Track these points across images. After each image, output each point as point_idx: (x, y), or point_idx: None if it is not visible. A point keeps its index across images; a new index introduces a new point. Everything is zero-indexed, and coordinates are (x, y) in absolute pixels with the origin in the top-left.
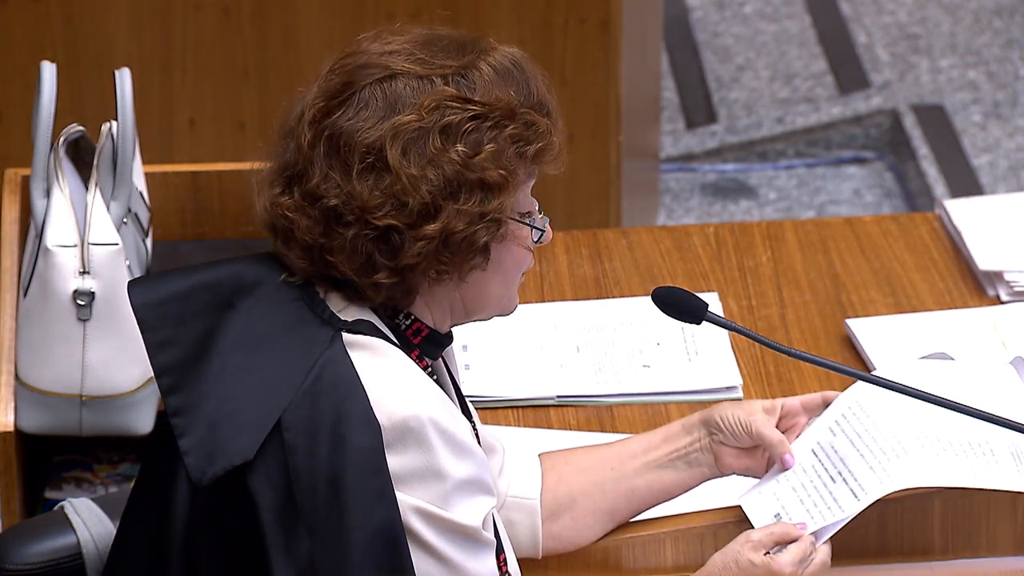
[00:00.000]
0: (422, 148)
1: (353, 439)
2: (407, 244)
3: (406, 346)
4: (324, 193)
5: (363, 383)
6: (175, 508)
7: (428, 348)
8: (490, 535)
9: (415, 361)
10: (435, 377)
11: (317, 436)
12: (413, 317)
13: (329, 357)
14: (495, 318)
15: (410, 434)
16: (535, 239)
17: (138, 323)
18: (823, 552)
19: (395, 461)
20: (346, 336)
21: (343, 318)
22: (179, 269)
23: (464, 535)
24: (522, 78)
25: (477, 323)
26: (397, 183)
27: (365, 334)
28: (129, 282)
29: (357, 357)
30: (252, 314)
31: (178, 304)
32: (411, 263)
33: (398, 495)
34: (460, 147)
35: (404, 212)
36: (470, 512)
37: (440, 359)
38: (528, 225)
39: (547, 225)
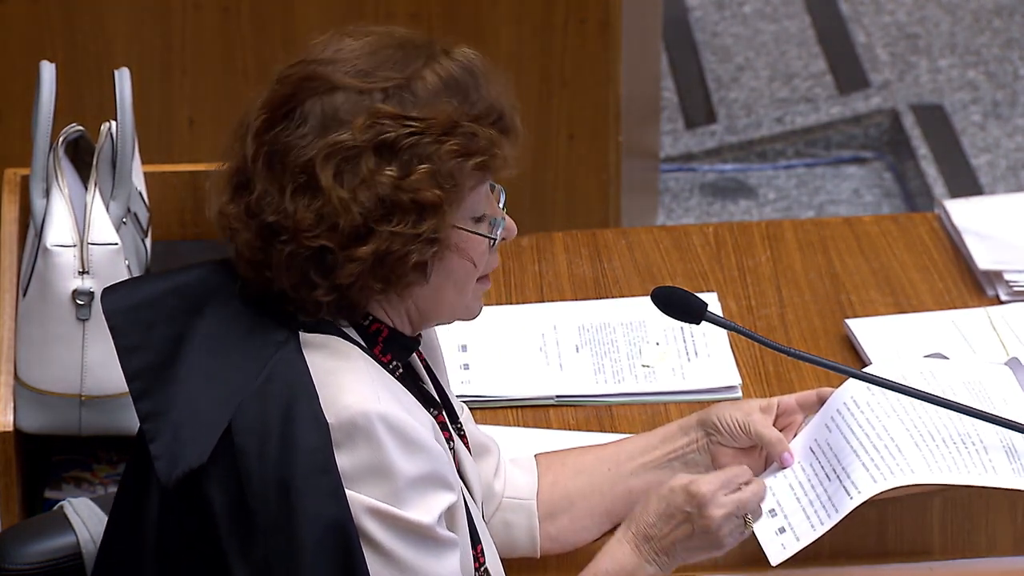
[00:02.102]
0: (354, 169)
1: (301, 440)
2: (340, 264)
3: (370, 343)
4: (261, 209)
5: (314, 382)
6: (149, 511)
7: (391, 347)
8: (447, 532)
9: (379, 356)
10: (399, 373)
11: (266, 438)
12: (372, 318)
13: (281, 357)
14: (458, 322)
15: (358, 431)
16: (490, 245)
17: (109, 329)
18: (759, 484)
19: (344, 459)
20: (304, 336)
21: (303, 319)
22: (151, 274)
23: (417, 534)
24: (472, 85)
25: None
26: (328, 204)
27: (324, 333)
28: (103, 288)
29: (311, 356)
30: (218, 319)
31: (148, 309)
32: (346, 282)
33: (349, 494)
34: (393, 168)
35: (336, 233)
36: (423, 509)
37: (418, 358)
38: (477, 234)
39: (505, 222)
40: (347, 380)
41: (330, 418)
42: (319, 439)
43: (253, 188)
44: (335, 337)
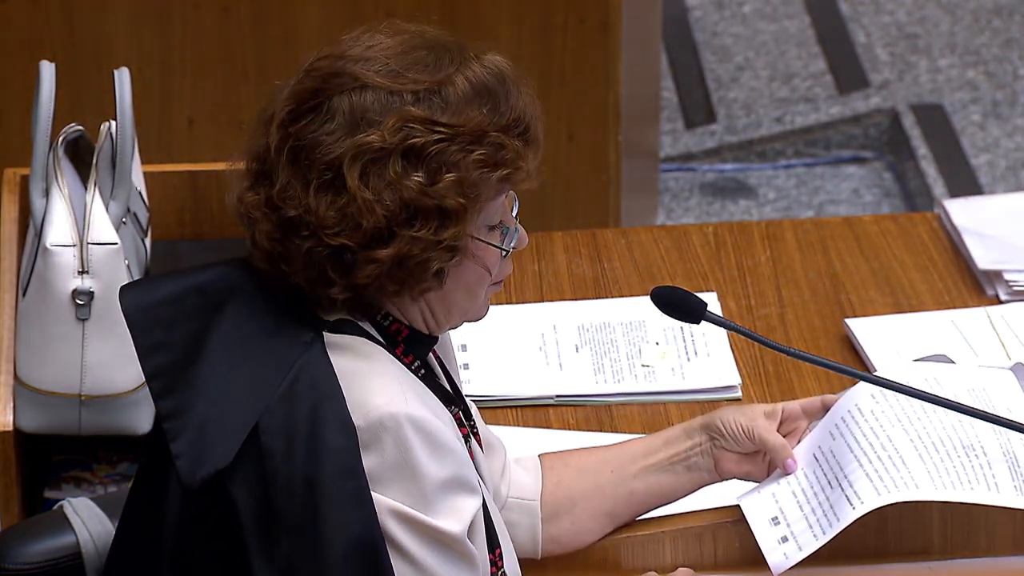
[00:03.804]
0: (381, 171)
1: (328, 441)
2: (359, 264)
3: (391, 343)
4: (283, 203)
5: (340, 384)
6: (168, 511)
7: (412, 347)
8: (472, 547)
9: (401, 357)
10: (423, 372)
11: (293, 439)
12: (392, 318)
13: (307, 359)
14: (466, 324)
15: (386, 433)
16: (502, 255)
17: (129, 327)
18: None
19: (371, 461)
20: (328, 337)
21: (326, 319)
22: (170, 272)
23: (443, 543)
24: (502, 93)
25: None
26: (352, 204)
27: (348, 334)
28: (121, 287)
29: (337, 358)
30: (240, 316)
31: (168, 307)
32: (363, 282)
33: (375, 496)
34: (420, 174)
35: (358, 233)
36: (451, 516)
37: (432, 355)
38: (491, 245)
39: (518, 231)
40: (375, 382)
41: (358, 420)
42: (346, 442)
43: (275, 180)
44: (360, 338)
